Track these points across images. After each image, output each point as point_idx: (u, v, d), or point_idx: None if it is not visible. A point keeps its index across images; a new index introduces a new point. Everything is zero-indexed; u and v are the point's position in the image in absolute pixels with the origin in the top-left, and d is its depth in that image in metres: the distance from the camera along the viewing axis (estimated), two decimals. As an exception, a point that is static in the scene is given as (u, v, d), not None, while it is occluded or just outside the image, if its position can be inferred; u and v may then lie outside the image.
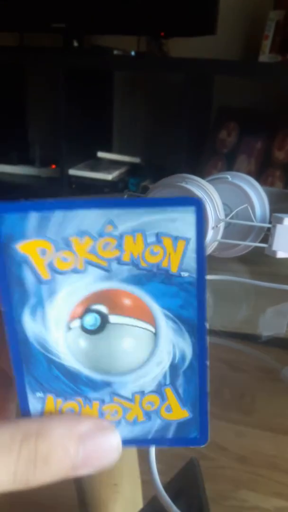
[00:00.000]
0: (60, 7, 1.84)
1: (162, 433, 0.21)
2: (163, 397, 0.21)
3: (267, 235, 0.63)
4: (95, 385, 0.21)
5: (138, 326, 0.20)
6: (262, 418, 0.42)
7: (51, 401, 0.21)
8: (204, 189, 0.62)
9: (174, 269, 0.20)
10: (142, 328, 0.20)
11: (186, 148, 1.81)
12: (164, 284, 0.20)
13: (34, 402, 0.21)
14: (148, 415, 0.21)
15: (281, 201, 0.73)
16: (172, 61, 1.82)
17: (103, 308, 0.20)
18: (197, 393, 0.21)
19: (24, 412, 0.21)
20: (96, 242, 0.19)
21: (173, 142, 1.83)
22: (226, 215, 0.64)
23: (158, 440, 0.21)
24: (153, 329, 0.20)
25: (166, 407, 0.21)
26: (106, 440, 0.20)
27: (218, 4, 1.71)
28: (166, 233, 0.19)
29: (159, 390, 0.21)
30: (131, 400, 0.21)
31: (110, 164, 2.01)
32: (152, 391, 0.21)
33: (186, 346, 0.20)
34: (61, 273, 0.20)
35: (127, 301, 0.20)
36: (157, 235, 0.19)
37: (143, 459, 0.34)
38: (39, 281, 0.20)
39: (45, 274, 0.20)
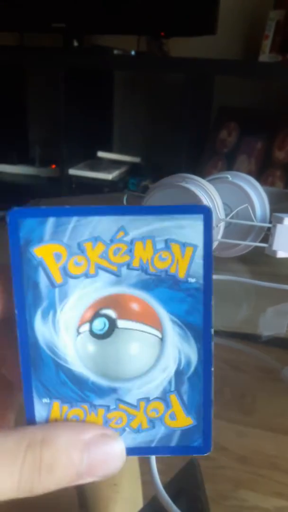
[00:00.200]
0: (60, 7, 1.84)
1: (165, 441, 0.21)
2: (167, 404, 0.21)
3: (267, 235, 0.63)
4: (101, 391, 0.21)
5: (145, 331, 0.20)
6: (263, 418, 0.42)
7: (57, 408, 0.21)
8: (204, 189, 0.62)
9: (181, 275, 0.20)
10: (149, 333, 0.20)
11: (186, 148, 1.81)
12: (172, 289, 0.20)
13: (40, 408, 0.21)
14: (152, 422, 0.21)
15: (281, 201, 0.73)
16: (172, 61, 1.82)
17: (111, 313, 0.20)
18: (201, 400, 0.21)
19: (29, 419, 0.21)
20: (108, 248, 0.20)
21: (173, 142, 1.83)
22: (226, 215, 0.64)
23: (161, 448, 0.21)
24: (159, 335, 0.20)
25: (170, 414, 0.21)
26: (110, 448, 0.20)
27: (218, 4, 1.71)
28: (175, 239, 0.20)
29: (164, 397, 0.21)
30: (136, 407, 0.21)
31: (110, 164, 2.01)
32: (157, 398, 0.21)
33: (191, 352, 0.21)
34: (73, 277, 0.20)
35: (135, 306, 0.20)
36: (166, 242, 0.20)
37: (143, 459, 0.34)
38: (52, 284, 0.20)
39: (58, 278, 0.20)
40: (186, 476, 0.34)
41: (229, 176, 0.67)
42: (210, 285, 0.20)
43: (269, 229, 0.62)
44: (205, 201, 0.61)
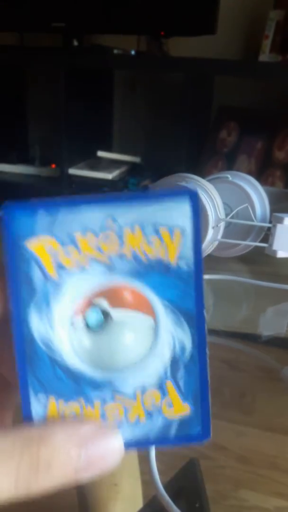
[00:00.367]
0: (60, 7, 1.84)
1: (164, 432, 0.21)
2: (164, 392, 0.21)
3: (267, 235, 0.63)
4: (96, 384, 0.21)
5: (139, 319, 0.20)
6: (262, 418, 0.42)
7: (53, 404, 0.21)
8: (204, 188, 0.62)
9: (172, 260, 0.20)
10: (143, 320, 0.20)
11: (186, 147, 1.81)
12: (163, 275, 0.20)
13: (36, 405, 0.21)
14: (149, 413, 0.21)
15: (281, 200, 0.73)
16: (172, 61, 1.82)
17: (104, 303, 0.20)
18: (198, 385, 0.21)
19: (26, 415, 0.21)
20: (99, 238, 0.20)
21: (173, 141, 1.83)
22: (227, 215, 0.64)
23: (160, 439, 0.21)
24: (153, 321, 0.20)
25: (167, 402, 0.21)
26: (108, 443, 0.20)
27: (218, 4, 1.71)
28: (163, 224, 0.20)
29: (160, 384, 0.21)
30: (132, 397, 0.21)
31: (110, 163, 2.01)
32: (153, 386, 0.21)
33: (185, 337, 0.20)
34: (66, 269, 0.20)
35: (127, 295, 0.20)
36: (155, 227, 0.20)
37: (143, 459, 0.34)
38: (46, 278, 0.20)
39: (51, 271, 0.20)
40: (186, 476, 0.34)
41: (229, 176, 0.67)
42: (201, 268, 0.20)
43: (269, 229, 0.62)
44: (205, 201, 0.61)
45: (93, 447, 0.19)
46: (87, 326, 0.20)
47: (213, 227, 0.62)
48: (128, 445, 0.20)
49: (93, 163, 1.99)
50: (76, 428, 0.19)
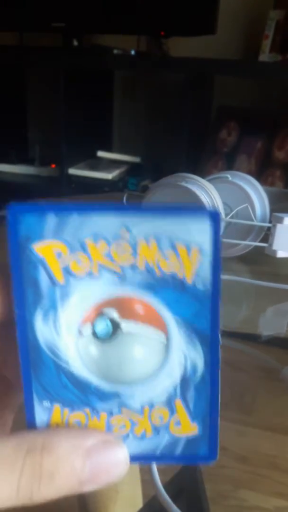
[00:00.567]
0: (59, 7, 1.84)
1: (170, 449, 0.21)
2: (172, 410, 0.20)
3: (267, 235, 0.63)
4: (103, 395, 0.20)
5: (150, 333, 0.20)
6: (262, 418, 0.42)
7: (58, 411, 0.20)
8: (204, 188, 0.62)
9: (188, 277, 0.19)
10: (154, 335, 0.20)
11: (186, 147, 1.81)
12: (177, 291, 0.19)
13: (40, 412, 0.20)
14: (156, 429, 0.20)
15: (281, 200, 0.73)
16: (172, 61, 1.82)
17: (115, 314, 0.20)
18: (207, 408, 0.20)
19: (29, 423, 0.20)
20: (111, 247, 0.19)
21: (173, 141, 1.83)
22: (226, 215, 0.64)
23: (166, 456, 0.21)
24: (165, 337, 0.20)
25: (175, 420, 0.20)
26: (113, 455, 0.19)
27: (218, 4, 1.71)
28: (180, 239, 0.19)
29: (168, 402, 0.20)
30: (139, 412, 0.20)
31: (110, 163, 2.01)
32: (161, 403, 0.20)
33: (198, 358, 0.20)
34: (75, 276, 0.19)
35: (139, 308, 0.20)
36: (171, 241, 0.19)
37: (143, 459, 0.34)
38: (53, 283, 0.19)
39: (59, 277, 0.19)
40: (186, 476, 0.34)
41: (229, 175, 0.67)
42: (218, 290, 0.20)
43: (269, 228, 0.62)
44: (205, 200, 0.61)
45: (98, 459, 0.19)
46: (95, 335, 0.20)
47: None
48: (133, 459, 0.20)
49: (93, 163, 2.00)
50: (81, 438, 0.19)
